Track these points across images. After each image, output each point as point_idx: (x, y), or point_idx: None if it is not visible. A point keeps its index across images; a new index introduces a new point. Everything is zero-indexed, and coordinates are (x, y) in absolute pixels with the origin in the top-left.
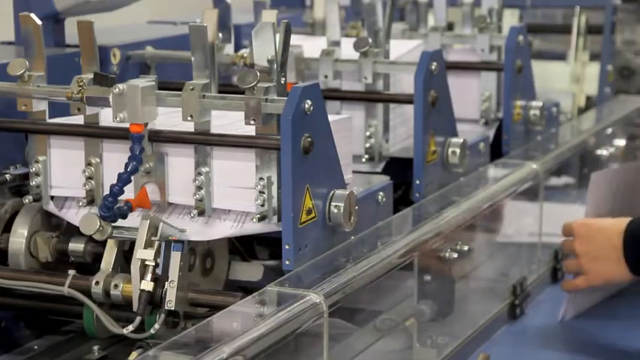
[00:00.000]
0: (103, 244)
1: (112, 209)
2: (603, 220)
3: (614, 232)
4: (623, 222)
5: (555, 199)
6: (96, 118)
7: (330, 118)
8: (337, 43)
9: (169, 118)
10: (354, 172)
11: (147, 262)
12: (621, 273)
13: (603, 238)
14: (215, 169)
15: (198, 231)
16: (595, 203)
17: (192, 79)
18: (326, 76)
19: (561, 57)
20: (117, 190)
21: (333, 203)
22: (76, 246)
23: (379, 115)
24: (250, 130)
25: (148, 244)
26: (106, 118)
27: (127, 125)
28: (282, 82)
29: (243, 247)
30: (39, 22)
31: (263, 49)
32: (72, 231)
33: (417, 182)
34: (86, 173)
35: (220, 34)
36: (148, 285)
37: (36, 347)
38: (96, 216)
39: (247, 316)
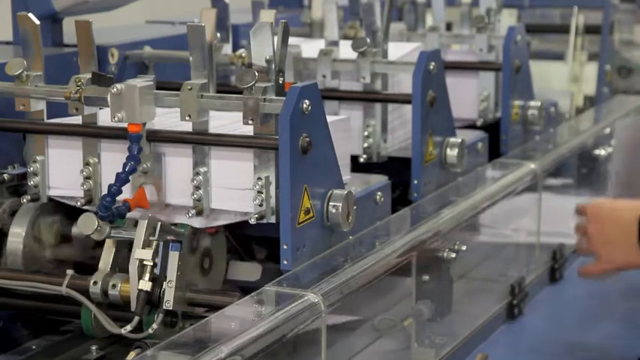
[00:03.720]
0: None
1: (110, 209)
2: (618, 203)
3: (630, 218)
4: (638, 206)
5: (553, 199)
6: (94, 118)
7: (329, 118)
8: (335, 43)
9: (168, 118)
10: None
11: (145, 262)
12: (636, 260)
13: (618, 223)
14: (213, 169)
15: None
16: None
17: (190, 79)
18: (324, 76)
19: (559, 57)
20: (115, 190)
21: (331, 203)
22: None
23: (377, 115)
24: (248, 130)
25: (146, 244)
26: (104, 118)
27: (125, 125)
28: (280, 81)
29: (241, 246)
30: (37, 21)
31: (261, 48)
32: None
33: (415, 182)
34: (84, 173)
35: (218, 34)
36: (146, 285)
37: (34, 347)
38: (94, 216)
39: (245, 316)
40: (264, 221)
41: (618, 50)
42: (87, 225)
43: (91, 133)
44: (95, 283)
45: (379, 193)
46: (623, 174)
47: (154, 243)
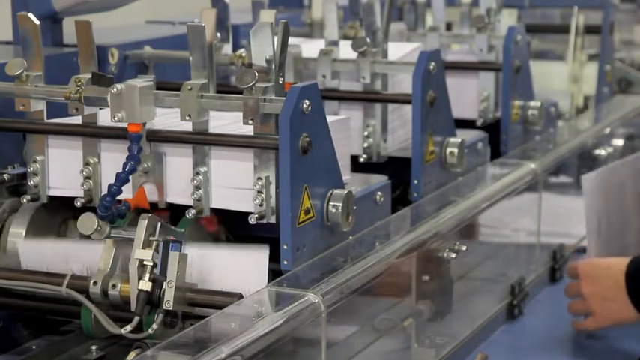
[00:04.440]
0: None
1: (110, 209)
2: (607, 260)
3: (618, 272)
4: (624, 261)
5: (554, 199)
6: (94, 118)
7: (329, 118)
8: (335, 43)
9: (168, 118)
10: None
11: (145, 262)
12: (629, 313)
13: (608, 278)
14: (213, 169)
15: None
16: (591, 206)
17: (190, 79)
18: (324, 76)
19: (559, 57)
20: (115, 190)
21: (331, 203)
22: None
23: (377, 115)
24: (248, 131)
25: (146, 244)
26: (104, 118)
27: (125, 125)
28: (281, 81)
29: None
30: (37, 21)
31: (261, 48)
32: None
33: (415, 182)
34: (84, 173)
35: (218, 34)
36: (146, 285)
37: (34, 347)
38: (94, 216)
39: (245, 316)
40: (264, 221)
41: (619, 64)
42: (87, 225)
43: (91, 133)
44: (95, 283)
45: (379, 193)
46: (599, 225)
47: (154, 243)
